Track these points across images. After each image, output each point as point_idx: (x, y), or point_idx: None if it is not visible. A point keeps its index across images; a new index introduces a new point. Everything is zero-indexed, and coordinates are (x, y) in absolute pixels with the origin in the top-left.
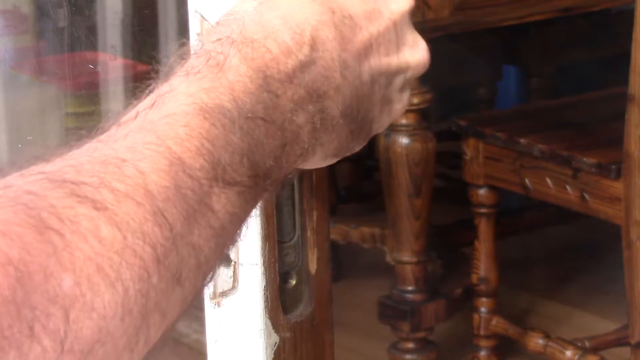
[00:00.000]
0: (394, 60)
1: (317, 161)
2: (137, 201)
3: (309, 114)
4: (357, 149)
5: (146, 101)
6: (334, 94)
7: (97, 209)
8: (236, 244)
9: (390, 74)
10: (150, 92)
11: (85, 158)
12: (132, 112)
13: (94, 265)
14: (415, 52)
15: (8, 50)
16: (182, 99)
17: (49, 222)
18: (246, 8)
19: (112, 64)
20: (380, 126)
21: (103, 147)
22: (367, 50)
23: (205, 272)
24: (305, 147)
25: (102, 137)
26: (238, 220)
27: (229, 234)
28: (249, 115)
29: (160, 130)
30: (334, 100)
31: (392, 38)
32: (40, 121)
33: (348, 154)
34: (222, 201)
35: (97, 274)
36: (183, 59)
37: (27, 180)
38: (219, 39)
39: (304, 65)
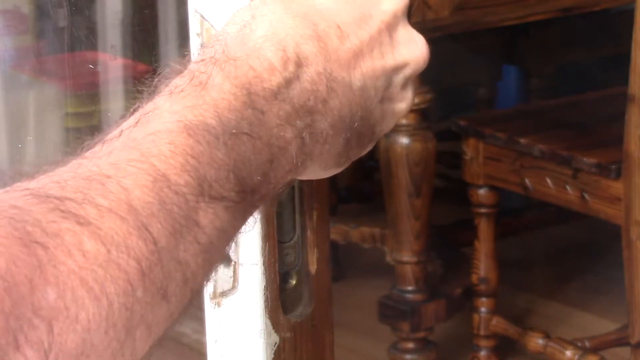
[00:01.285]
0: (389, 60)
1: (317, 172)
2: (121, 216)
3: (297, 129)
4: (363, 153)
5: (130, 120)
6: (322, 107)
7: (80, 223)
8: (225, 259)
9: (387, 75)
10: (135, 111)
11: (69, 174)
12: (116, 131)
13: (77, 279)
14: (412, 49)
15: (8, 50)
16: (166, 117)
17: (34, 235)
18: (229, 30)
19: (112, 64)
20: (384, 128)
21: (87, 163)
22: (357, 57)
23: (192, 288)
24: (294, 162)
25: (87, 154)
26: (226, 236)
27: (217, 250)
28: (234, 131)
29: (145, 147)
30: (322, 113)
31: (385, 39)
32: (40, 121)
33: (353, 159)
34: (209, 217)
35: (81, 287)
36: (167, 79)
37: (12, 196)
38: (202, 60)
39: (289, 82)
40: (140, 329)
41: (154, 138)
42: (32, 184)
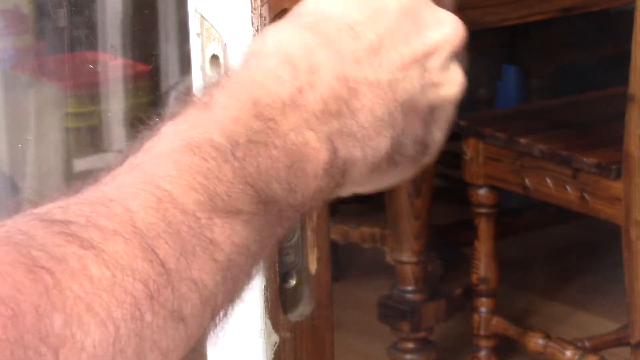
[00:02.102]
0: (417, 46)
1: (372, 178)
2: (125, 238)
3: (323, 135)
4: (430, 153)
5: (134, 148)
6: (346, 109)
7: (84, 247)
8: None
9: (418, 62)
10: (140, 139)
11: (74, 200)
12: (121, 158)
13: (83, 305)
14: (442, 29)
15: (8, 50)
16: (171, 139)
17: (39, 260)
18: (238, 60)
19: (112, 64)
20: (439, 119)
21: (92, 189)
22: (377, 52)
23: (213, 308)
24: (326, 168)
25: (94, 185)
26: (247, 250)
27: (238, 267)
28: (242, 142)
29: (149, 169)
30: (348, 116)
31: (407, 27)
32: (40, 121)
33: (421, 163)
34: (226, 232)
35: (86, 313)
36: (173, 112)
37: (19, 221)
38: (205, 87)
39: (301, 90)
40: (154, 354)
41: (158, 159)
42: (37, 210)
